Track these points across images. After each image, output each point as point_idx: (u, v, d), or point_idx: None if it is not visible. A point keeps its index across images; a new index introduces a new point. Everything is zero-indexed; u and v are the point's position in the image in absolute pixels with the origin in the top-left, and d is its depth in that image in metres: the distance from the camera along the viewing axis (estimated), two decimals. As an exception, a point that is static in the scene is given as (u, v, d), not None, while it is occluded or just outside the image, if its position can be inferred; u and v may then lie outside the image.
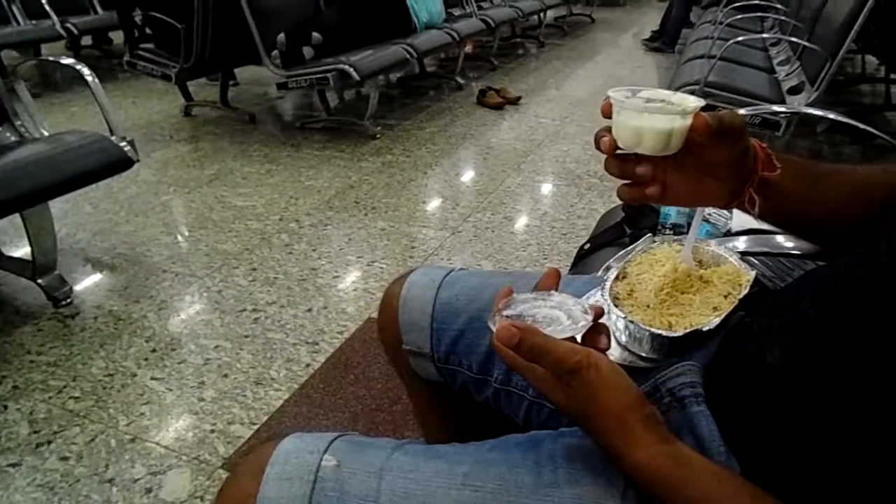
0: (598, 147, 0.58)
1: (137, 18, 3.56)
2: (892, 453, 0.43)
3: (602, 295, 0.69)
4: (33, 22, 4.44)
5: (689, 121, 0.54)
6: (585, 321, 0.54)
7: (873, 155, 3.28)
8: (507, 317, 0.54)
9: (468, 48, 4.92)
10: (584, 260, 1.29)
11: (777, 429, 0.51)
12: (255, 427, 1.46)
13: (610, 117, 0.57)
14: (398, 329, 0.83)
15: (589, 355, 0.50)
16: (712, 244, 0.77)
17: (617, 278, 0.71)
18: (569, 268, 1.34)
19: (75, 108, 3.93)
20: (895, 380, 0.43)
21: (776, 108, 2.41)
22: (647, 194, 0.57)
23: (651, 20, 6.64)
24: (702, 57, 3.37)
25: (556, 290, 0.60)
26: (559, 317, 0.55)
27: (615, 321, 0.67)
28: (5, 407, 1.51)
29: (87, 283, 2.07)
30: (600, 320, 0.57)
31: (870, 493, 0.44)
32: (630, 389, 0.50)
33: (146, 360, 1.68)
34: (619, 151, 0.58)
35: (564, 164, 3.19)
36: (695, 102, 0.55)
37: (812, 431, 0.48)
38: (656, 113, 0.54)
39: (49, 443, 1.40)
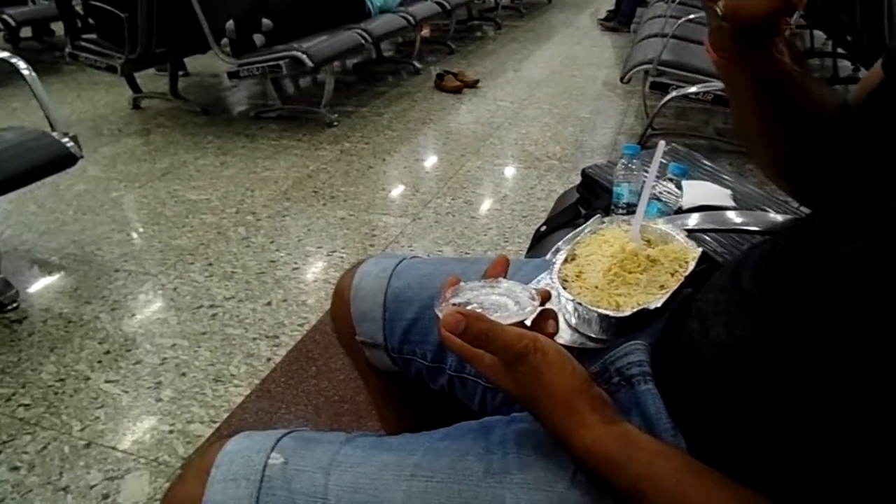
0: None
1: (78, 8, 3.42)
2: (833, 424, 0.44)
3: (551, 277, 0.68)
4: (-33, 14, 4.23)
5: None
6: (532, 307, 0.53)
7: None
8: (454, 304, 0.54)
9: (425, 32, 4.87)
10: (541, 242, 1.29)
11: (721, 404, 0.51)
12: (216, 425, 1.44)
13: None
14: (351, 320, 0.82)
15: (535, 340, 0.49)
16: (661, 222, 0.77)
17: (566, 260, 0.71)
18: (526, 250, 1.34)
19: (16, 104, 3.75)
20: (832, 356, 0.43)
21: (727, 84, 2.43)
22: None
23: (607, 0, 6.66)
24: (655, 36, 3.40)
25: (505, 277, 0.60)
26: (506, 303, 0.54)
27: (564, 303, 0.66)
28: (-50, 418, 1.45)
29: (35, 285, 1.99)
30: (547, 304, 0.57)
31: (812, 464, 0.45)
32: (576, 372, 0.50)
33: (99, 362, 1.63)
34: None
35: (524, 146, 3.19)
36: None
37: (755, 406, 0.48)
38: None
39: (-2, 453, 1.35)
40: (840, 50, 4.07)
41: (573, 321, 0.67)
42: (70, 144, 1.80)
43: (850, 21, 2.95)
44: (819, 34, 4.77)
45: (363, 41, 3.58)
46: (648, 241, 0.72)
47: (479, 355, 0.51)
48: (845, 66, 4.31)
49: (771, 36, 0.53)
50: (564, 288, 0.66)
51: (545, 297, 0.57)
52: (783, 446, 0.47)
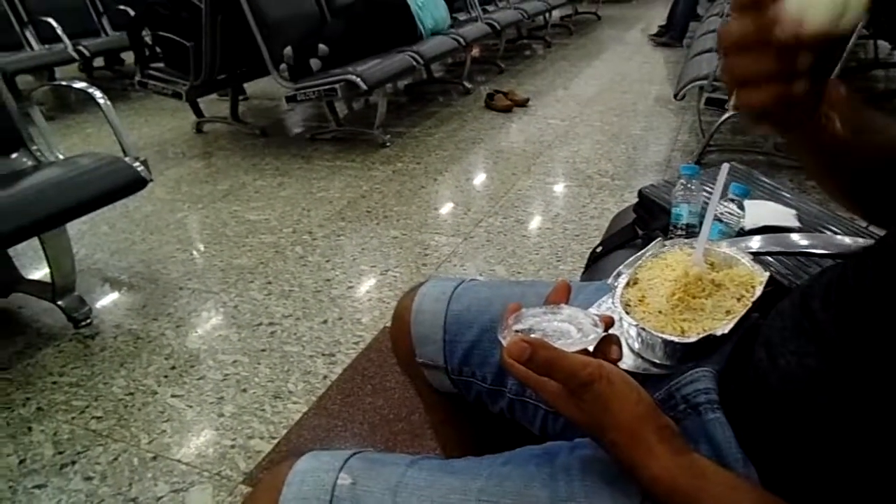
0: (772, 32, 0.41)
1: (147, 38, 3.62)
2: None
3: (613, 302, 0.68)
4: (47, 46, 4.51)
5: None
6: (595, 333, 0.53)
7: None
8: (517, 331, 0.54)
9: (475, 52, 4.93)
10: (597, 263, 1.28)
11: (793, 435, 0.50)
12: (275, 441, 1.47)
13: None
14: (411, 342, 0.84)
15: (601, 367, 0.49)
16: (724, 245, 0.76)
17: (628, 284, 0.70)
18: (582, 270, 1.33)
19: (90, 130, 3.99)
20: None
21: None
22: (794, 92, 0.44)
23: (658, 15, 6.60)
24: (710, 51, 3.35)
25: (567, 302, 0.60)
26: (569, 330, 0.54)
27: (627, 328, 0.66)
28: (30, 429, 1.53)
29: (106, 302, 2.10)
30: (611, 330, 0.56)
31: (888, 498, 0.44)
32: (643, 400, 0.50)
33: (166, 377, 1.70)
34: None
35: (575, 164, 3.18)
36: None
37: (828, 437, 0.47)
38: None
39: (73, 463, 1.42)
40: (907, 60, 3.91)
41: (636, 346, 0.66)
42: (141, 169, 1.89)
43: (919, 31, 2.83)
44: (884, 44, 4.59)
45: (415, 63, 3.65)
46: (712, 265, 0.71)
47: (543, 383, 0.51)
48: (914, 76, 4.13)
49: (807, 111, 0.49)
50: (627, 313, 0.66)
51: (608, 323, 0.56)
52: (859, 480, 0.45)
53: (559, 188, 2.93)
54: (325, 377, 1.68)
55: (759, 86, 0.44)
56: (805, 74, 0.43)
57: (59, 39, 4.42)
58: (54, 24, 4.40)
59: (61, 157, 2.06)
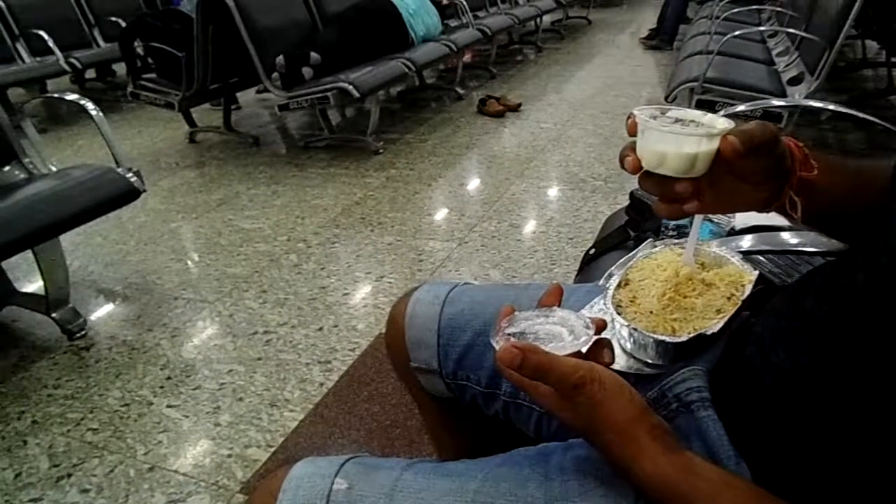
0: (622, 166, 0.56)
1: (139, 49, 3.62)
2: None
3: (605, 303, 0.69)
4: (38, 59, 4.51)
5: (715, 144, 0.52)
6: (587, 336, 0.54)
7: (880, 140, 3.26)
8: (509, 335, 0.54)
9: (467, 58, 4.95)
10: (590, 265, 1.29)
11: (785, 431, 0.50)
12: (272, 449, 1.47)
13: (635, 135, 0.56)
14: (405, 347, 0.84)
15: (592, 369, 0.50)
16: (714, 245, 0.76)
17: (619, 286, 0.71)
18: (575, 273, 1.34)
19: (82, 142, 3.98)
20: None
21: (776, 101, 2.40)
22: (685, 210, 0.55)
23: (648, 18, 6.64)
24: (700, 53, 3.37)
25: (559, 305, 0.60)
26: (561, 333, 0.55)
27: (619, 329, 0.67)
28: (25, 442, 1.52)
29: (101, 314, 2.09)
30: (603, 333, 0.57)
31: (881, 494, 0.44)
32: (634, 400, 0.50)
33: (161, 388, 1.69)
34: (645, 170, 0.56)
35: (568, 168, 3.19)
36: (723, 124, 0.53)
37: (820, 433, 0.47)
38: (681, 135, 0.53)
39: (69, 476, 1.42)
40: (895, 59, 3.94)
41: (628, 347, 0.67)
42: (134, 179, 1.89)
43: (905, 30, 2.86)
44: (872, 44, 4.63)
45: (407, 70, 3.66)
46: (702, 265, 0.71)
47: (535, 387, 0.51)
48: (902, 75, 4.16)
49: (770, 202, 0.57)
50: (619, 313, 0.66)
51: (600, 326, 0.57)
52: (851, 477, 0.46)
53: (553, 192, 2.95)
54: (321, 384, 1.68)
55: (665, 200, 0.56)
56: (692, 195, 0.54)
57: (50, 52, 4.41)
58: (45, 36, 4.40)
59: (54, 169, 2.05)
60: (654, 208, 0.59)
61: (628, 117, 0.56)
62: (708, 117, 0.56)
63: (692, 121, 0.56)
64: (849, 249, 0.54)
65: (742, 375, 0.56)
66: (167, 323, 1.99)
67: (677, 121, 0.56)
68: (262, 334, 1.91)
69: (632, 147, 0.56)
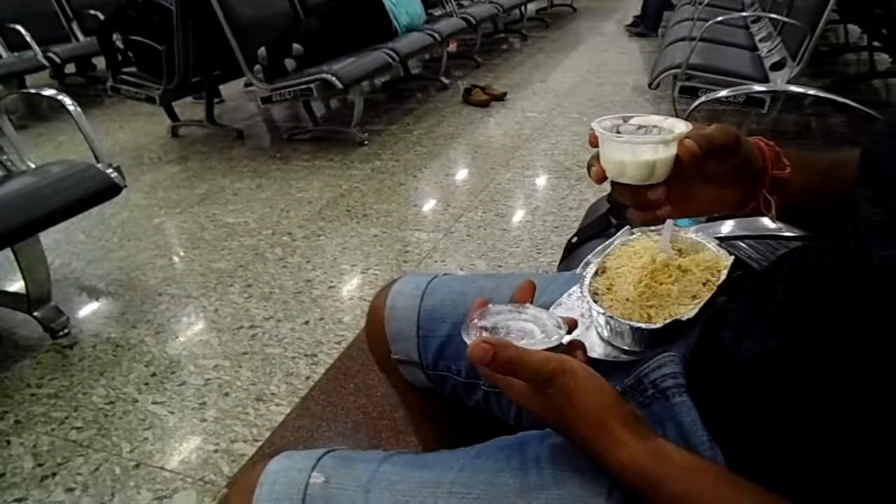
0: (589, 175, 0.57)
1: (118, 42, 3.56)
2: (872, 438, 0.43)
3: (581, 291, 0.69)
4: (16, 54, 4.42)
5: (673, 148, 0.53)
6: (558, 335, 0.54)
7: (862, 125, 3.28)
8: (480, 328, 0.54)
9: (451, 48, 4.92)
10: (573, 253, 1.29)
11: (758, 416, 0.51)
12: (259, 443, 1.47)
13: (597, 146, 0.57)
14: (386, 339, 0.84)
15: (563, 361, 0.50)
16: (692, 231, 0.77)
17: (596, 273, 0.71)
18: (558, 262, 1.34)
19: (63, 138, 3.92)
20: (869, 365, 0.43)
21: (757, 87, 2.41)
22: (658, 216, 0.56)
23: (633, 5, 6.62)
24: (683, 39, 3.37)
25: (532, 301, 0.60)
26: (532, 330, 0.55)
27: (596, 317, 0.67)
28: (8, 442, 1.51)
29: (84, 311, 2.07)
30: (580, 320, 0.57)
31: (853, 477, 0.44)
32: (605, 390, 0.50)
33: (146, 384, 1.68)
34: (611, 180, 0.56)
35: (553, 156, 3.19)
36: (680, 128, 0.54)
37: (793, 419, 0.48)
38: (637, 144, 0.53)
39: (54, 475, 1.41)
40: (876, 43, 3.97)
41: (605, 334, 0.67)
42: (114, 175, 1.87)
43: (885, 14, 2.87)
44: (854, 28, 4.65)
45: (391, 60, 3.63)
46: (679, 251, 0.71)
47: (508, 381, 0.52)
48: (883, 59, 4.19)
49: (745, 202, 0.58)
50: (595, 301, 0.66)
51: (572, 325, 0.57)
52: (822, 459, 0.46)
53: (538, 181, 2.95)
54: (307, 378, 1.67)
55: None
56: (664, 201, 0.55)
57: (28, 46, 4.34)
58: (23, 30, 4.32)
59: (32, 165, 2.03)
60: (627, 216, 0.59)
61: (591, 130, 0.56)
62: (668, 122, 0.56)
63: (655, 126, 0.56)
64: (818, 234, 0.55)
65: (716, 361, 0.57)
66: (151, 319, 1.98)
67: (640, 127, 0.57)
68: (248, 329, 1.90)
69: (597, 157, 0.57)
